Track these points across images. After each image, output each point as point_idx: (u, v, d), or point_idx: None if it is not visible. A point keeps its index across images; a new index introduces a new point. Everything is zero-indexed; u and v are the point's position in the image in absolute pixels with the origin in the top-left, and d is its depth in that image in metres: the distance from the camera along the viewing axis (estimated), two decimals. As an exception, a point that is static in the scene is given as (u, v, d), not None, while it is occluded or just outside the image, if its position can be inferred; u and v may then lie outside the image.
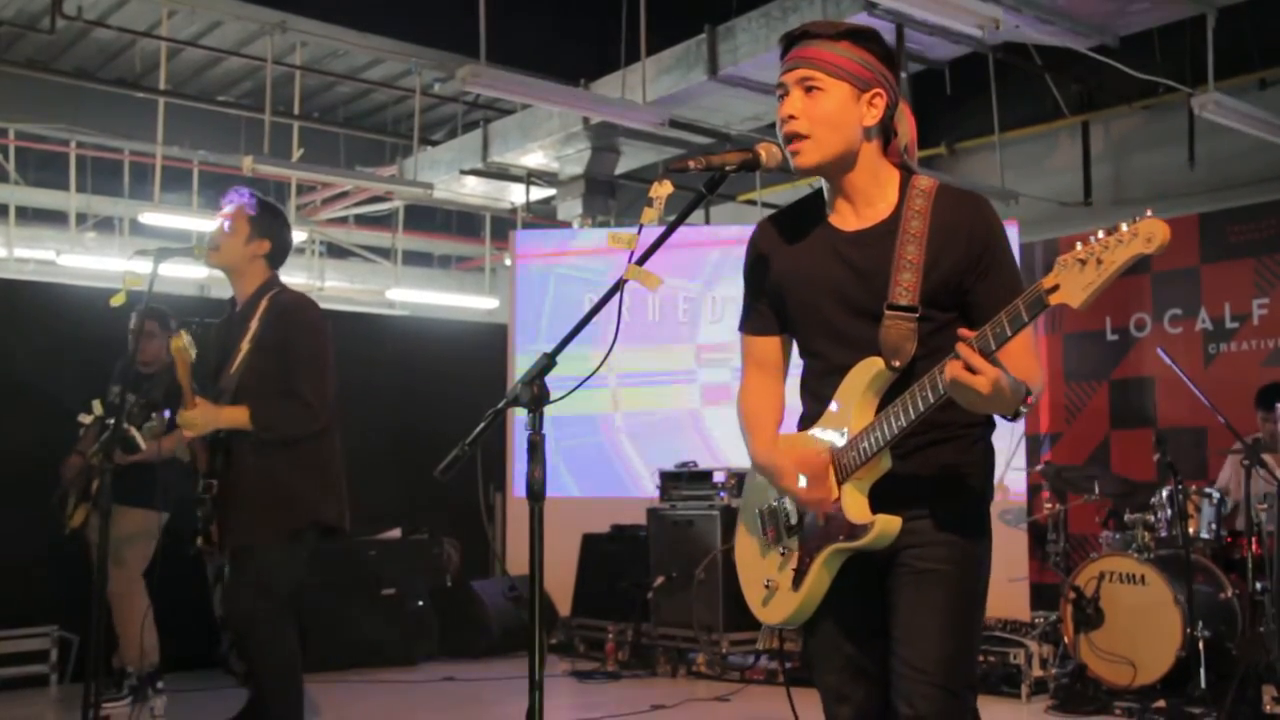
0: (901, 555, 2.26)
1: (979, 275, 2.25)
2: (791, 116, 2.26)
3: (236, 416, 3.75)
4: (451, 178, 10.38)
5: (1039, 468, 6.75)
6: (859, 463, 2.23)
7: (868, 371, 2.25)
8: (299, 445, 3.82)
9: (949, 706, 2.20)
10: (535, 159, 9.88)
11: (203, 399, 3.76)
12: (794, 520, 2.35)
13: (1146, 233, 1.88)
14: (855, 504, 2.24)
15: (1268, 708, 4.91)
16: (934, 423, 2.19)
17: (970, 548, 2.28)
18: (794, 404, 2.47)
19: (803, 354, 2.43)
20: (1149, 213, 1.91)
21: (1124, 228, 1.91)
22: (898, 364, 2.22)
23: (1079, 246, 1.95)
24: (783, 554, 2.36)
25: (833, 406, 2.31)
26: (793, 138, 2.27)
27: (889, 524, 2.20)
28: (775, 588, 2.37)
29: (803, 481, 2.28)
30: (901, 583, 2.26)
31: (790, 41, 2.31)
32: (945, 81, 8.16)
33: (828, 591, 2.30)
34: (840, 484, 2.26)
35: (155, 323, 5.66)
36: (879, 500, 2.24)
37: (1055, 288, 1.96)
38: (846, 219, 2.34)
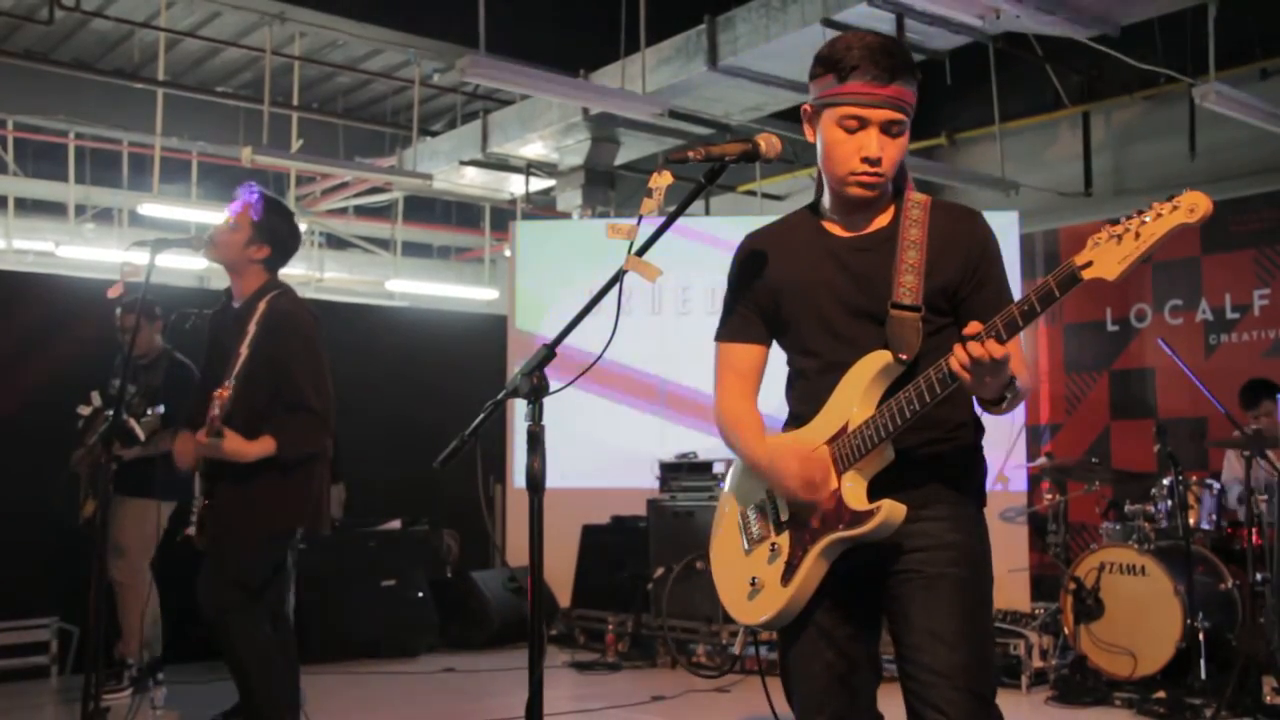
0: (906, 560, 2.24)
1: (975, 286, 2.28)
2: (878, 160, 2.23)
3: (264, 448, 3.77)
4: (451, 168, 10.36)
5: (1039, 461, 6.74)
6: (863, 452, 2.22)
7: (875, 364, 2.25)
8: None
9: (979, 711, 2.18)
10: (535, 150, 9.85)
11: (231, 431, 3.71)
12: (785, 515, 2.32)
13: (1189, 204, 1.89)
14: (856, 492, 2.23)
15: (1268, 698, 4.91)
16: (929, 421, 2.20)
17: (976, 550, 2.28)
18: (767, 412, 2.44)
19: (798, 355, 2.40)
20: (1186, 190, 1.92)
21: (1154, 205, 1.92)
22: (905, 357, 2.22)
23: (1104, 229, 1.95)
24: (773, 549, 2.33)
25: (832, 401, 2.29)
26: (872, 184, 2.26)
27: (894, 510, 2.17)
28: (761, 585, 2.33)
29: (805, 485, 2.24)
30: (911, 589, 2.23)
31: (874, 66, 2.18)
32: (945, 71, 8.12)
33: (810, 599, 2.27)
34: (840, 473, 2.24)
35: (137, 315, 5.64)
36: (878, 494, 2.22)
37: (1089, 264, 1.96)
38: (844, 227, 2.36)
